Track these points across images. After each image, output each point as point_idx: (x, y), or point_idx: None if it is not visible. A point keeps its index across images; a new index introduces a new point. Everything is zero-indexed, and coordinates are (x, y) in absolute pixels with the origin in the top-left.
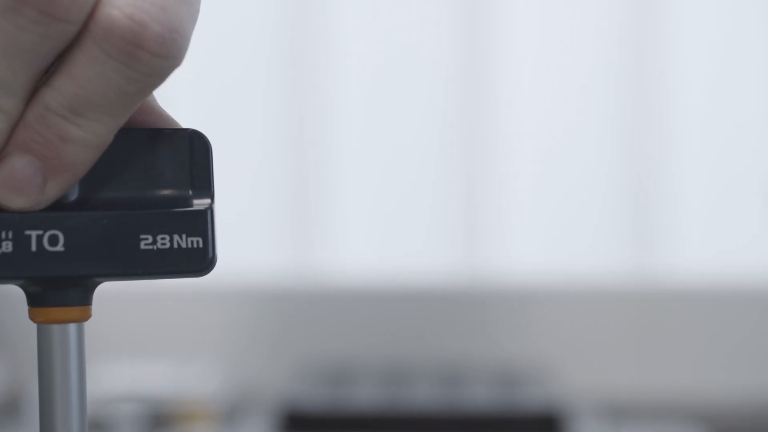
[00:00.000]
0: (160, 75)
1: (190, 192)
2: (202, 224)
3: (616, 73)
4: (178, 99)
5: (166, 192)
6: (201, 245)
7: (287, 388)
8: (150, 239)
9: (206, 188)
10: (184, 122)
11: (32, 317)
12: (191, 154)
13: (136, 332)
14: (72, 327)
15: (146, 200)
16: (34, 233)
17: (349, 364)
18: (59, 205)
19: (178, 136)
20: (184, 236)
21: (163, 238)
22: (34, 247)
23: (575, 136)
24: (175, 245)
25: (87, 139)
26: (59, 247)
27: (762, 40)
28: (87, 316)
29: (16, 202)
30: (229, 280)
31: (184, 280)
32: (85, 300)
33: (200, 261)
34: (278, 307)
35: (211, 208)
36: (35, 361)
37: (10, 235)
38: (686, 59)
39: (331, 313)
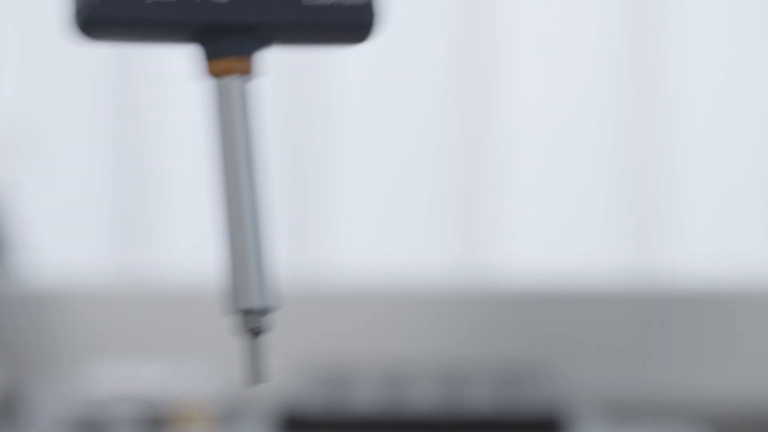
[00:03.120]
0: None
1: None
2: None
3: (619, 71)
4: (174, 95)
5: None
6: (364, 1)
7: (286, 389)
8: None
9: None
10: (182, 122)
11: (210, 70)
12: None
13: (133, 333)
14: (242, 78)
15: None
16: None
17: (349, 365)
18: None
19: None
20: None
21: None
22: None
23: (577, 134)
24: (338, 1)
25: None
26: None
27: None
28: (250, 69)
29: None
30: None
31: (182, 280)
32: (251, 50)
33: (362, 17)
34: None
35: None
36: (34, 362)
37: None
38: (691, 58)
39: (330, 313)
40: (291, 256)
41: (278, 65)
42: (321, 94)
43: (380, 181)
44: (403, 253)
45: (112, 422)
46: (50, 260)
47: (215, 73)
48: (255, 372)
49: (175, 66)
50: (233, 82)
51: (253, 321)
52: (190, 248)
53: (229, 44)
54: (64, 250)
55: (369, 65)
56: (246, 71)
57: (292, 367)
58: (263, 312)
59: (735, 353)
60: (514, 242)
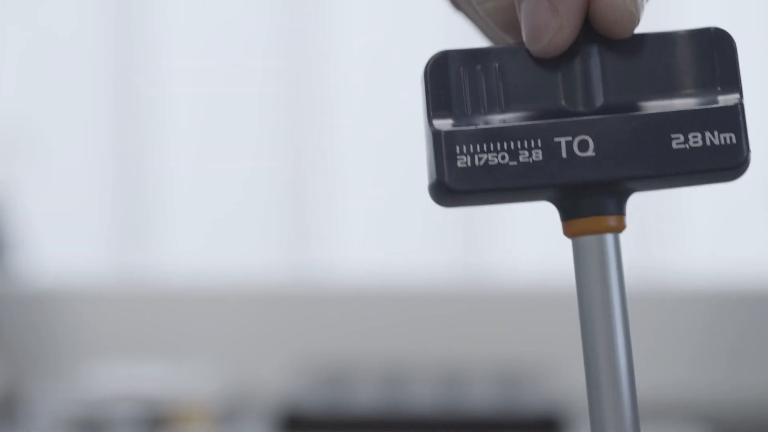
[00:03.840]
0: None
1: (718, 88)
2: (734, 119)
3: None
4: (175, 97)
5: (692, 90)
6: (734, 141)
7: (286, 389)
8: (681, 138)
9: (734, 84)
10: (182, 122)
11: (566, 231)
12: (716, 51)
13: (133, 333)
14: (609, 237)
15: (673, 100)
16: (563, 140)
17: (348, 365)
18: (585, 111)
19: (699, 34)
20: (716, 133)
21: (695, 136)
22: (564, 154)
23: None
24: (708, 143)
25: None
26: (590, 152)
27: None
28: (623, 226)
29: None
30: (227, 281)
31: (182, 280)
32: (620, 208)
33: (734, 157)
34: (277, 308)
35: (740, 103)
36: (34, 361)
37: (540, 143)
38: None
39: (330, 313)
40: (291, 256)
41: (278, 66)
42: (321, 94)
43: (380, 181)
44: (403, 254)
45: (112, 422)
46: (50, 260)
47: (569, 234)
48: None
49: (175, 66)
50: (590, 239)
51: None
52: (190, 248)
53: (587, 205)
54: (64, 250)
55: (369, 65)
56: (609, 230)
57: (292, 367)
58: None
59: (733, 352)
60: (513, 242)
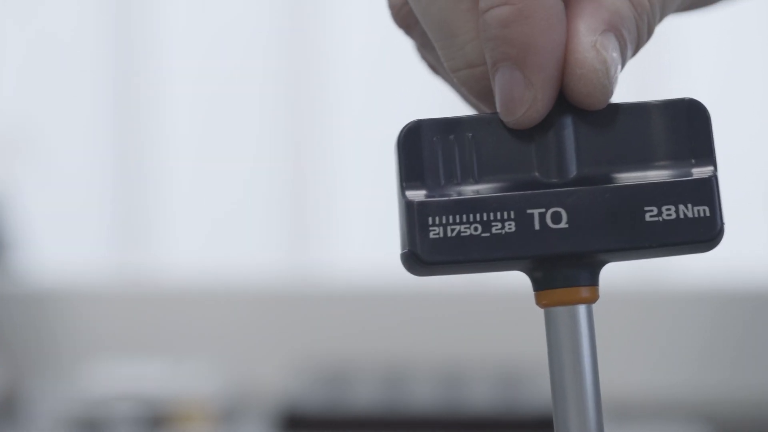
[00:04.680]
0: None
1: (692, 160)
2: (708, 192)
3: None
4: (175, 97)
5: (667, 162)
6: (708, 214)
7: (286, 388)
8: (655, 210)
9: (708, 156)
10: (182, 122)
11: (538, 301)
12: (691, 122)
13: (133, 331)
14: (581, 308)
15: (646, 171)
16: (536, 212)
17: (348, 364)
18: (559, 183)
19: (673, 105)
20: (689, 205)
21: (668, 209)
22: (537, 226)
23: None
24: (681, 215)
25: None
26: (563, 224)
27: (767, 42)
28: (596, 297)
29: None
30: (227, 280)
31: (182, 280)
32: (593, 280)
33: (707, 230)
34: (277, 307)
35: (715, 175)
36: (34, 361)
37: (513, 214)
38: (690, 61)
39: (330, 313)
40: (291, 256)
41: (278, 66)
42: (321, 94)
43: (380, 181)
44: None
45: (112, 421)
46: (50, 260)
47: (541, 304)
48: None
49: (175, 66)
50: (561, 310)
51: None
52: (190, 248)
53: (560, 276)
54: (64, 250)
55: (369, 65)
56: (581, 301)
57: (292, 367)
58: None
59: (733, 352)
60: None
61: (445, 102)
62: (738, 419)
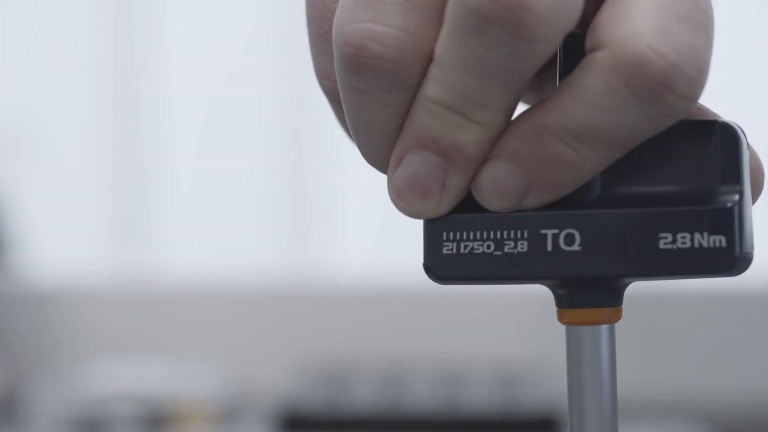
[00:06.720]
0: (678, 115)
1: (720, 187)
2: (726, 222)
3: None
4: (175, 97)
5: (691, 186)
6: (724, 244)
7: (285, 388)
8: (670, 238)
9: (735, 182)
10: (182, 122)
11: (560, 318)
12: (721, 146)
13: (133, 331)
14: (603, 328)
15: (668, 196)
16: (549, 232)
17: (348, 365)
18: (577, 203)
19: (705, 127)
20: (705, 234)
21: (683, 237)
22: (549, 247)
23: None
24: (696, 244)
25: (580, 165)
26: (575, 247)
27: (765, 39)
28: (618, 317)
29: (495, 205)
30: (227, 281)
31: (182, 280)
32: (616, 300)
33: (721, 261)
34: (276, 307)
35: (739, 204)
36: (34, 361)
37: (526, 234)
38: None
39: (330, 313)
40: (291, 256)
41: (278, 65)
42: (321, 95)
43: (380, 180)
44: (403, 254)
45: (112, 422)
46: (50, 260)
47: (562, 321)
48: None
49: (175, 66)
50: (583, 329)
51: None
52: (190, 248)
53: (582, 297)
54: (64, 250)
55: None
56: (603, 321)
57: (292, 367)
58: None
59: (734, 352)
60: None
61: None
62: (738, 419)
